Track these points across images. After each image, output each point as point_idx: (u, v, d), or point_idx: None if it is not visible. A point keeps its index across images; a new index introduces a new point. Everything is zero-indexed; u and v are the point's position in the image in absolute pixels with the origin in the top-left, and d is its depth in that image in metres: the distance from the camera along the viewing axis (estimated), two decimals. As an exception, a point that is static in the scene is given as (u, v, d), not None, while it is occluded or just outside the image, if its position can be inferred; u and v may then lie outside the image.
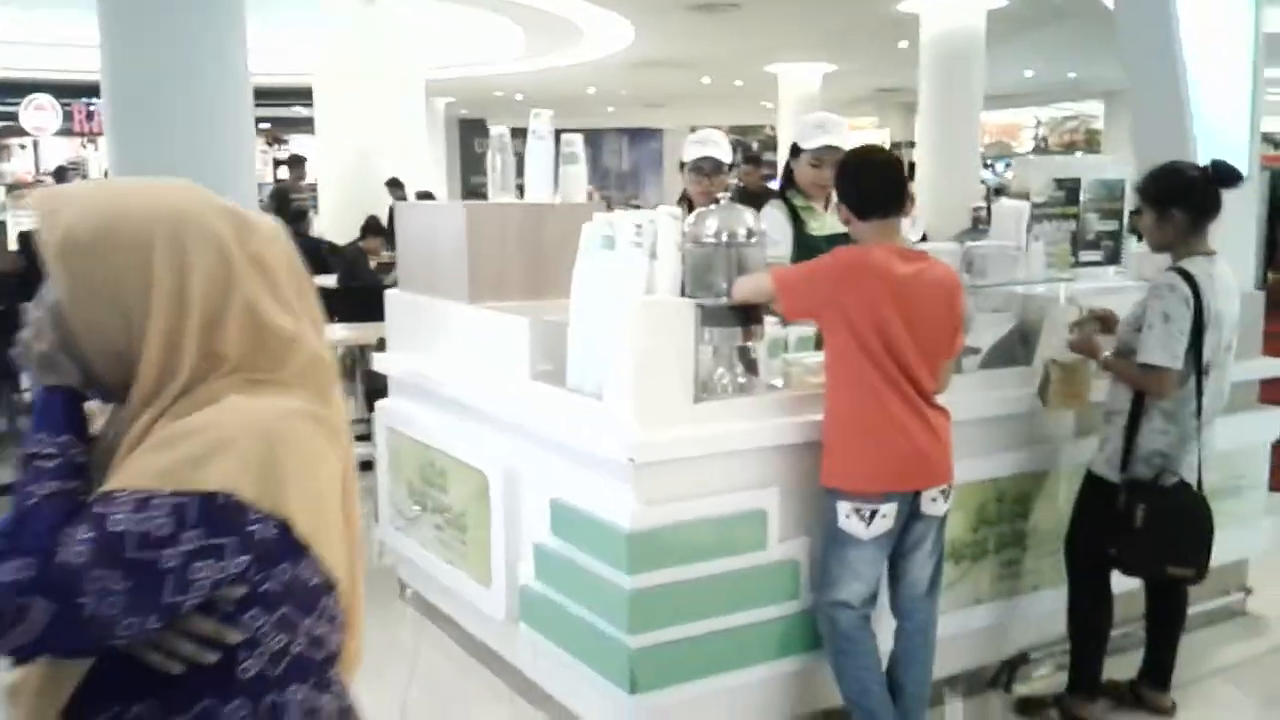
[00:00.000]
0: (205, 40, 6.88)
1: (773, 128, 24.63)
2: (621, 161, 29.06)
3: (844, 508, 2.97)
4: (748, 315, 3.18)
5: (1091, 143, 22.87)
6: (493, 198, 4.10)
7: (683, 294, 3.13)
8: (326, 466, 1.32)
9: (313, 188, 13.45)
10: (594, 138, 24.18)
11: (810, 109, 18.41)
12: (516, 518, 3.49)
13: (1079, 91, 21.17)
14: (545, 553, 3.26)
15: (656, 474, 2.94)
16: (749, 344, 3.27)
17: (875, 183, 3.06)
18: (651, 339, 2.99)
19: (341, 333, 7.11)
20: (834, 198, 3.24)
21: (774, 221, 3.76)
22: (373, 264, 8.92)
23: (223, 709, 1.24)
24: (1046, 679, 3.71)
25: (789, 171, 3.97)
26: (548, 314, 3.50)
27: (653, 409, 2.97)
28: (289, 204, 10.69)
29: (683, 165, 4.21)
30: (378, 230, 8.99)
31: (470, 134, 26.22)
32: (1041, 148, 22.76)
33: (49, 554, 1.14)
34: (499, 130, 4.09)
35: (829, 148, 3.75)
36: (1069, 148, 22.93)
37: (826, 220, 3.83)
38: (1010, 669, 3.69)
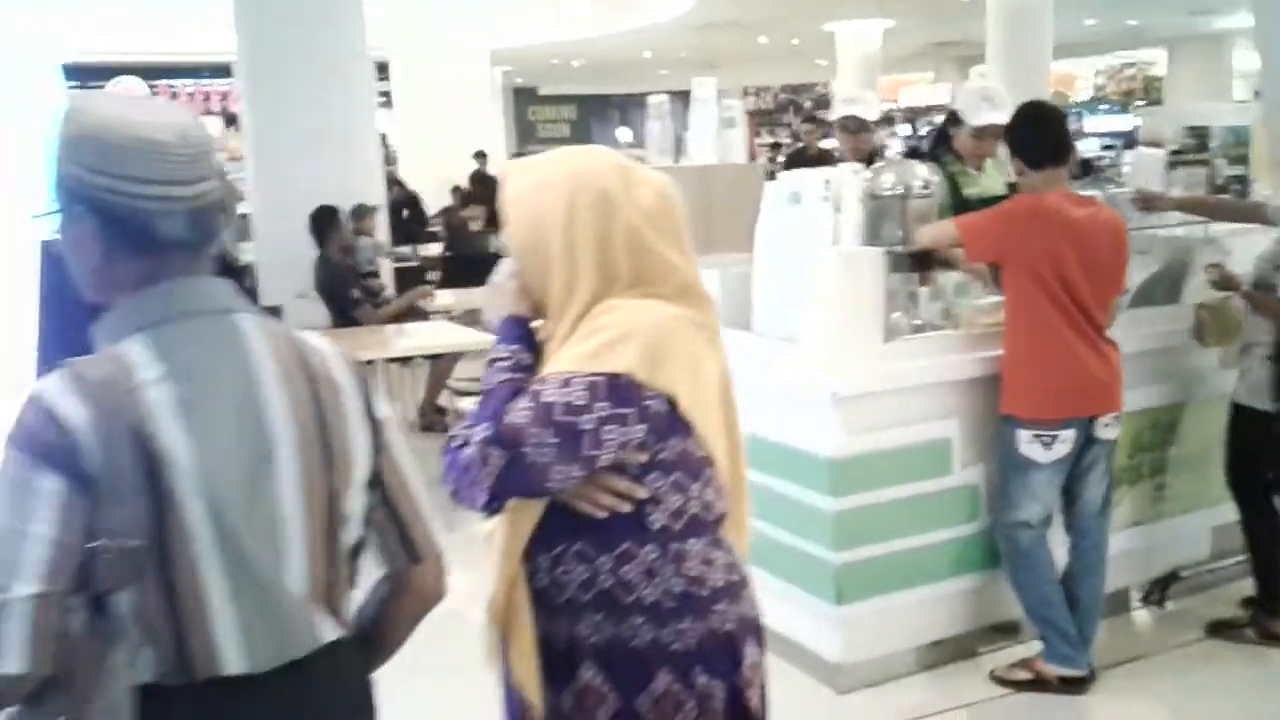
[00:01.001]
0: (325, 18, 7.17)
1: (826, 85, 24.70)
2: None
3: (1024, 435, 3.25)
4: (924, 261, 3.47)
5: (1150, 90, 22.72)
6: (654, 161, 4.39)
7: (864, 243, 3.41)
8: (705, 363, 1.66)
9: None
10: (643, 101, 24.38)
11: (868, 66, 18.49)
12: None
13: (1140, 39, 21.03)
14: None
15: (854, 407, 3.24)
16: (924, 288, 3.55)
17: (1047, 135, 3.32)
18: (846, 286, 3.28)
19: (449, 298, 7.39)
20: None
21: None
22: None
23: (639, 550, 1.61)
24: (1194, 596, 3.98)
25: (944, 136, 4.19)
26: (721, 267, 3.79)
27: (849, 349, 3.27)
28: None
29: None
30: (479, 198, 9.32)
31: (525, 102, 26.51)
32: (1099, 97, 22.64)
33: (500, 418, 1.55)
34: (658, 99, 4.37)
35: (994, 125, 3.86)
36: (1127, 96, 22.79)
37: (981, 181, 4.06)
38: (1162, 586, 3.96)
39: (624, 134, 18.45)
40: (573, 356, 1.57)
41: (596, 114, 27.22)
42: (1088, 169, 5.01)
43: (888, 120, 19.09)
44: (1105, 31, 19.71)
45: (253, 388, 1.35)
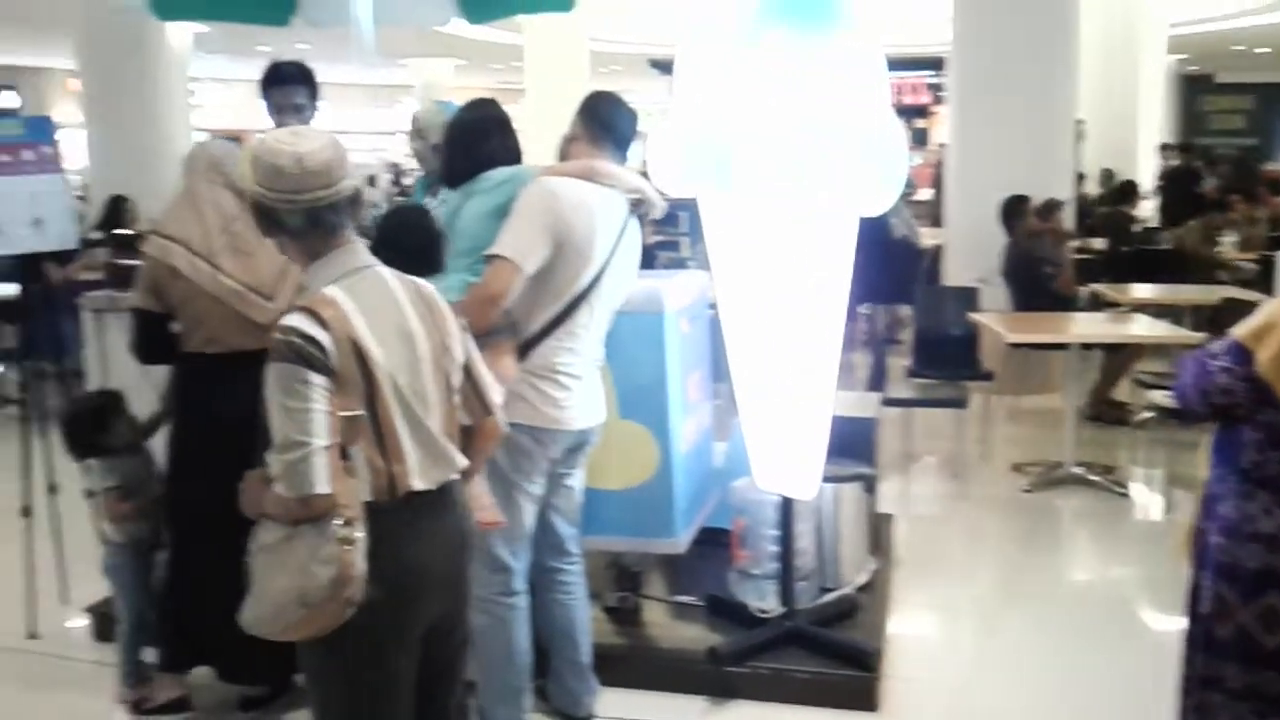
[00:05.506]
0: (1041, 5, 7.37)
1: None
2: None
3: None
4: None
5: None
6: None
7: None
8: None
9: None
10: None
11: None
12: None
13: None
14: None
15: None
16: None
17: None
18: None
19: (1146, 291, 7.29)
20: None
21: None
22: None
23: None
24: None
25: None
26: None
27: None
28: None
29: None
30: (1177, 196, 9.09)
31: (1196, 91, 24.65)
32: None
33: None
34: None
35: None
36: None
37: None
38: None
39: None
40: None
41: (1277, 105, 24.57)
42: None
43: None
44: None
45: (400, 312, 2.18)
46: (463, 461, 2.27)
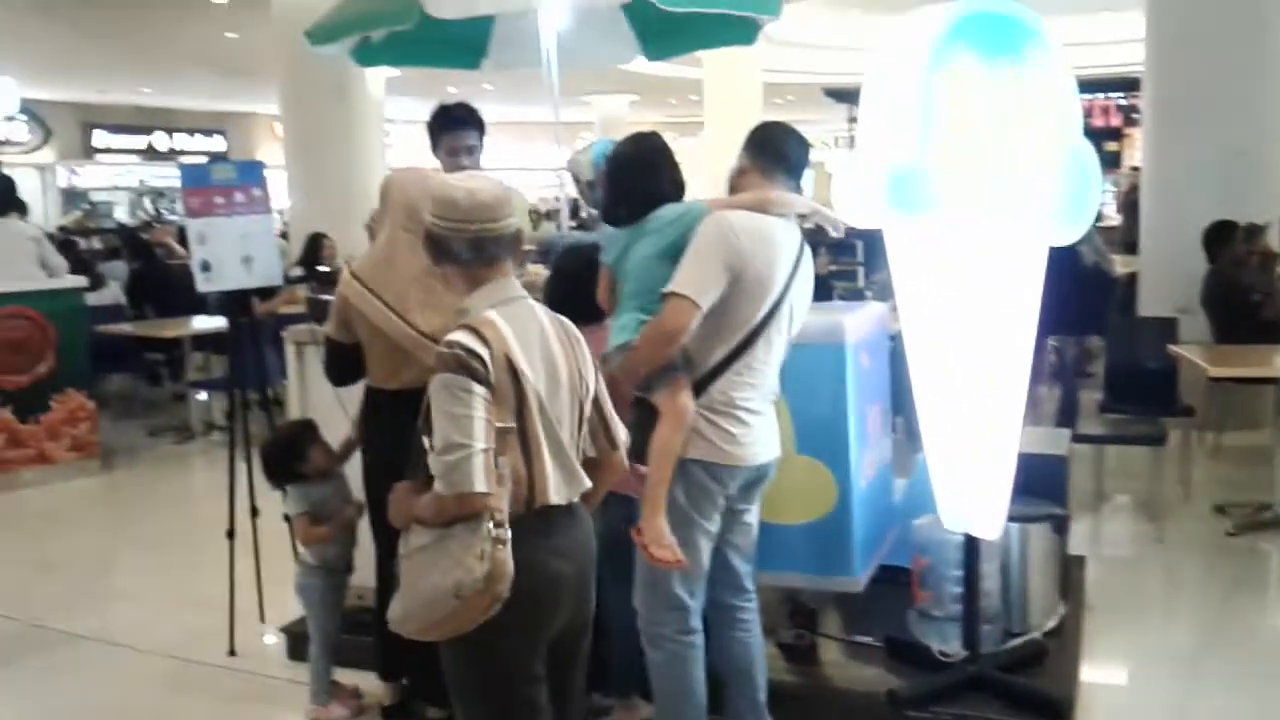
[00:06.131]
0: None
1: None
2: None
3: None
4: None
5: None
6: None
7: None
8: None
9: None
10: None
11: None
12: None
13: None
14: None
15: None
16: None
17: None
18: None
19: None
20: None
21: None
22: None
23: None
24: None
25: None
26: None
27: None
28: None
29: None
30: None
31: None
32: None
33: None
34: None
35: None
36: None
37: None
38: None
39: None
40: None
41: None
42: None
43: None
44: None
45: (545, 338, 2.38)
46: (588, 482, 2.44)
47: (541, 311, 2.44)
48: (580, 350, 2.47)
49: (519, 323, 2.34)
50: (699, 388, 2.96)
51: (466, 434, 2.18)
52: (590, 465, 2.49)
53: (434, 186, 2.45)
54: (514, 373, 2.27)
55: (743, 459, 3.00)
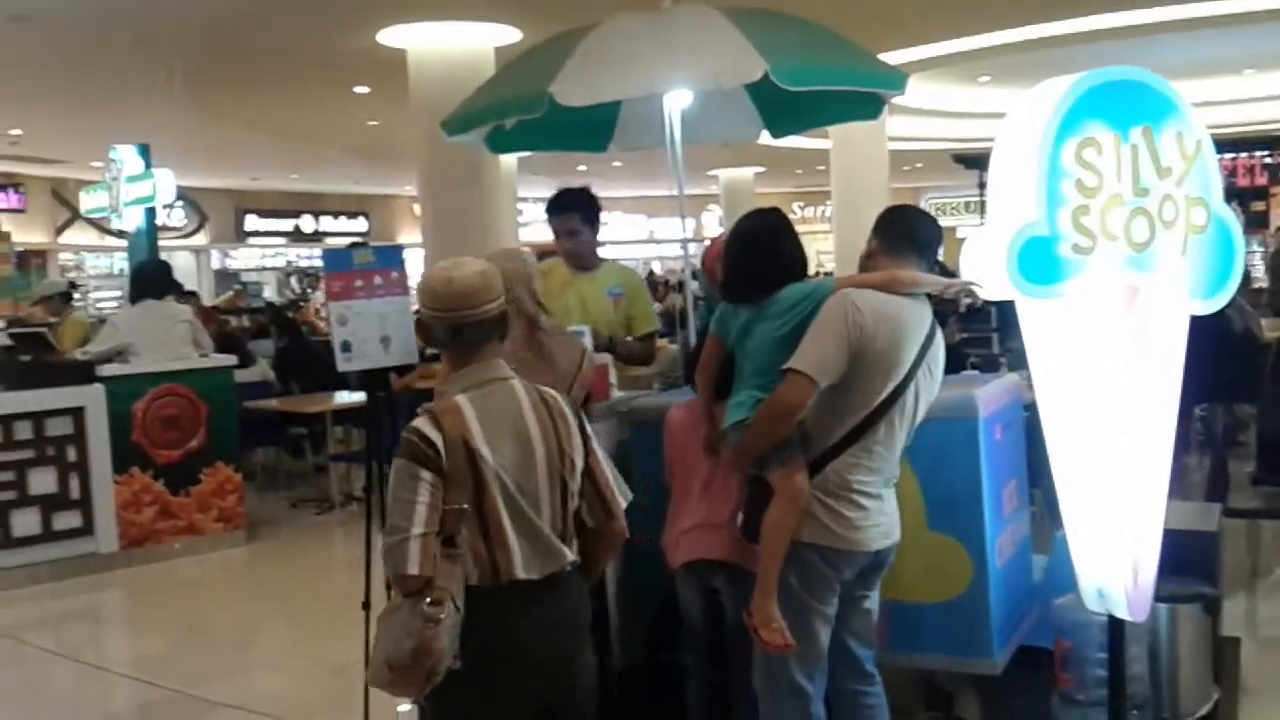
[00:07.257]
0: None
1: None
2: None
3: None
4: None
5: None
6: None
7: None
8: None
9: None
10: None
11: None
12: None
13: None
14: None
15: None
16: None
17: None
18: None
19: None
20: None
21: None
22: None
23: None
24: None
25: None
26: None
27: None
28: None
29: None
30: None
31: None
32: None
33: None
34: None
35: None
36: None
37: None
38: None
39: None
40: None
41: None
42: None
43: None
44: None
45: (521, 419, 2.47)
46: (571, 556, 2.53)
47: (523, 391, 2.54)
48: (565, 426, 2.55)
49: (492, 404, 2.47)
50: (815, 468, 2.92)
51: (407, 519, 2.34)
52: (593, 535, 2.60)
53: (425, 275, 2.63)
54: (471, 456, 2.39)
55: (858, 544, 2.94)
